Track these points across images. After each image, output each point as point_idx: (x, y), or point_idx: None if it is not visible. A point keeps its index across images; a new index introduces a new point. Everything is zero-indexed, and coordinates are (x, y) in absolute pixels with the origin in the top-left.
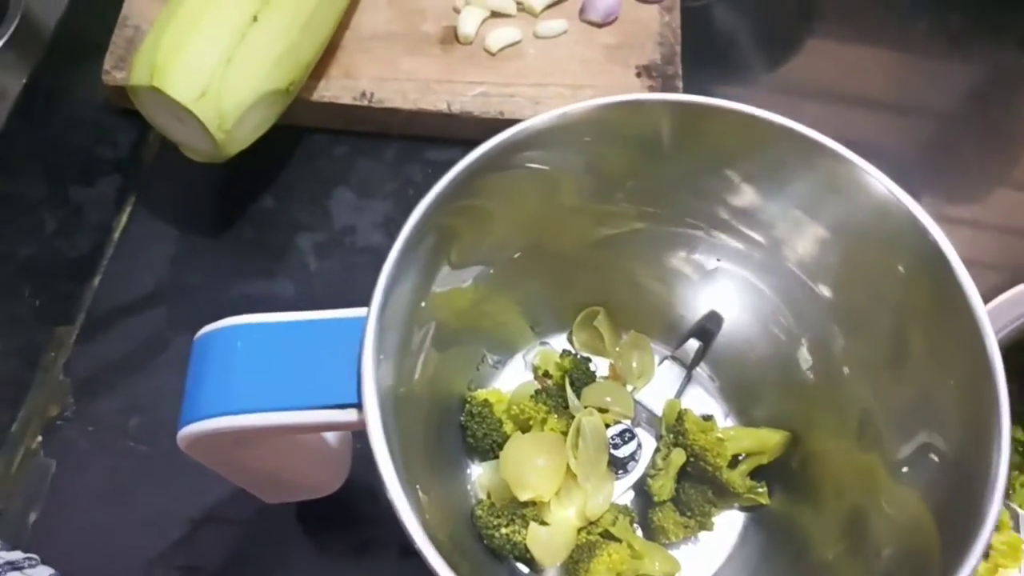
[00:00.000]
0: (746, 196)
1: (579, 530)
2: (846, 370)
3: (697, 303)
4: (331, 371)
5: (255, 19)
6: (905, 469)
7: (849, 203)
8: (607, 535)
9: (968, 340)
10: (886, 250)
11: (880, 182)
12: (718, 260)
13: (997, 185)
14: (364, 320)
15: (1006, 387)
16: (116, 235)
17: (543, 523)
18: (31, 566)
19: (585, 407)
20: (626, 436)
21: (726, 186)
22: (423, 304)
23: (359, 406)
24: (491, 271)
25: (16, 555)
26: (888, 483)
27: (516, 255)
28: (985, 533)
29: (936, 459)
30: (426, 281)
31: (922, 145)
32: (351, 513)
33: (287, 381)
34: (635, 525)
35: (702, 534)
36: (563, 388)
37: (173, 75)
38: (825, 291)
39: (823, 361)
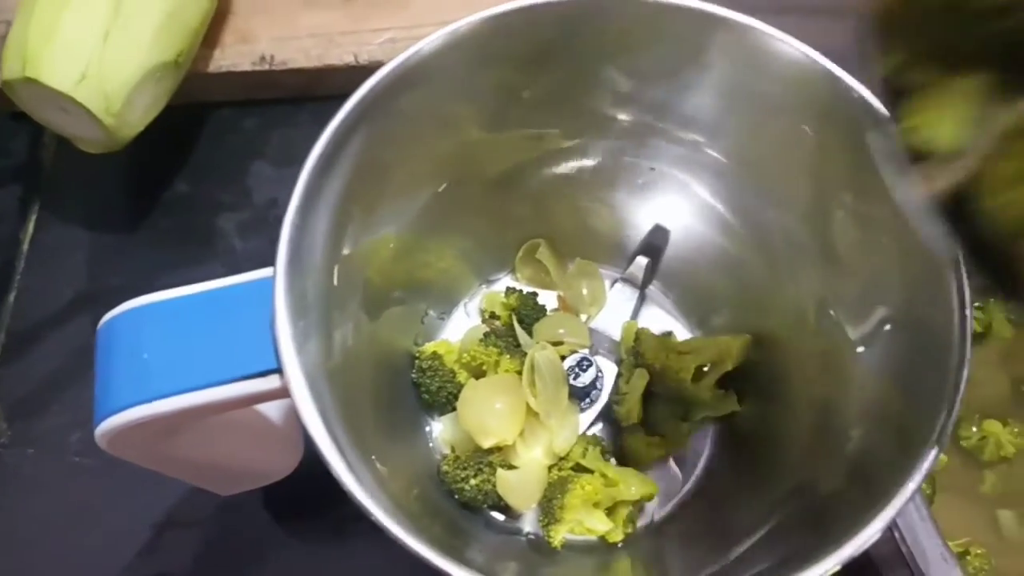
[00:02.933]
0: (659, 90)
1: (549, 468)
2: (792, 260)
3: (640, 219)
4: (246, 340)
5: None
6: (863, 348)
7: (762, 77)
8: (579, 468)
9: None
10: (811, 121)
11: (790, 46)
12: (651, 168)
13: None
14: (272, 280)
15: None
16: (25, 247)
17: (511, 467)
18: None
19: (537, 343)
20: (584, 364)
21: (637, 84)
22: (340, 262)
23: (279, 370)
24: (410, 219)
25: None
26: (851, 364)
27: (430, 200)
28: (961, 384)
29: (894, 329)
30: (337, 235)
31: None
32: (320, 492)
33: (200, 358)
34: (607, 455)
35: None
36: (512, 327)
37: (47, 62)
38: (757, 179)
39: (768, 255)
